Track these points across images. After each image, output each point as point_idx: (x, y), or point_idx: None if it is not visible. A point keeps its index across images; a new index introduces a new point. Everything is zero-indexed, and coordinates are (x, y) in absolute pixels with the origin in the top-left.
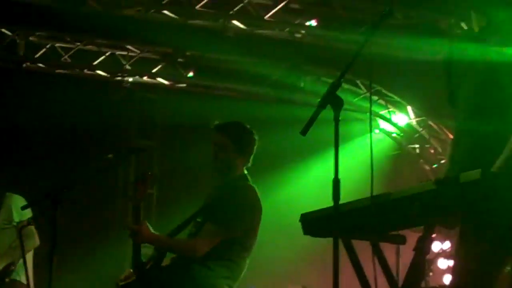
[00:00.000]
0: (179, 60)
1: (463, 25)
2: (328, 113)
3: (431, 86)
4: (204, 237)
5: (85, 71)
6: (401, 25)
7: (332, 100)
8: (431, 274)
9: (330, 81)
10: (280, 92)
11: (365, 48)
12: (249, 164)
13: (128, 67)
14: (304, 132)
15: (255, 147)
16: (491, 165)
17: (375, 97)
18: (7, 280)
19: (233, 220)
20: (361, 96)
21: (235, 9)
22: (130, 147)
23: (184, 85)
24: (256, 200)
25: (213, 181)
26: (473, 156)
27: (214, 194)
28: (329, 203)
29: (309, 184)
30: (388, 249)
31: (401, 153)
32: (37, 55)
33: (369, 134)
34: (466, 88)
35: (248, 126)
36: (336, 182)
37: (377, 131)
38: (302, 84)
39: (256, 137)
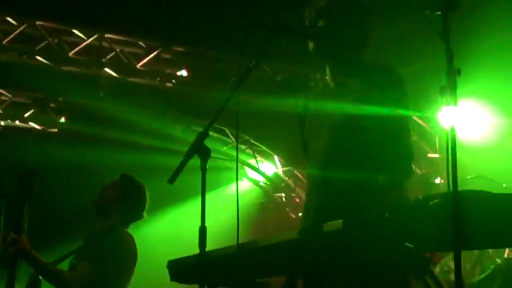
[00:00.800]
0: (52, 105)
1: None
2: (198, 160)
3: (296, 138)
4: (79, 274)
5: None
6: (268, 79)
7: (200, 150)
8: None
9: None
10: (151, 139)
11: (232, 99)
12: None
13: (0, 111)
14: (171, 180)
15: (144, 201)
16: (347, 214)
17: (243, 146)
18: None
19: (107, 261)
20: (230, 145)
21: (108, 57)
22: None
23: (56, 130)
24: (132, 245)
25: (91, 224)
26: (329, 205)
27: (91, 236)
28: (196, 250)
29: (177, 231)
30: None
31: (268, 201)
32: None
33: (236, 182)
34: (322, 138)
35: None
36: (202, 229)
37: (244, 179)
38: (172, 132)
39: (145, 191)
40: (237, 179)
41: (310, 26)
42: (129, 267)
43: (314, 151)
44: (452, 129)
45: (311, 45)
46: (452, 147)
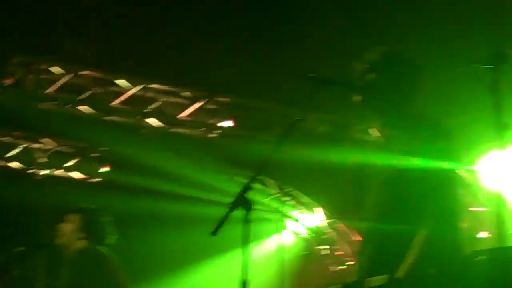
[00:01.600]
0: (95, 155)
1: (371, 131)
2: (238, 211)
3: (341, 190)
4: None
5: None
6: (313, 131)
7: (243, 202)
8: None
9: (243, 180)
10: (194, 190)
11: (276, 151)
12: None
13: (42, 160)
14: (215, 232)
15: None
16: (394, 269)
17: (285, 198)
18: None
19: None
20: (272, 197)
21: (151, 107)
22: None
23: (98, 179)
24: None
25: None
26: (380, 259)
27: None
28: None
29: (218, 285)
30: None
31: (310, 254)
32: None
33: (279, 234)
34: (374, 191)
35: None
36: (244, 283)
37: (286, 231)
38: (214, 183)
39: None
40: (280, 231)
41: (359, 79)
42: None
43: (367, 203)
44: (501, 184)
45: (359, 98)
46: (500, 202)
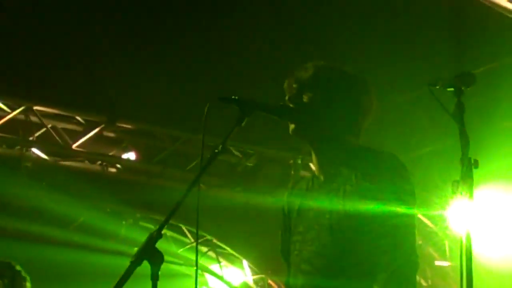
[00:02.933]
0: None
1: (312, 165)
2: (147, 266)
3: (271, 240)
4: None
5: None
6: (237, 165)
7: (150, 255)
8: None
9: (150, 226)
10: (89, 237)
11: (192, 191)
12: None
13: None
14: None
15: None
16: None
17: (204, 249)
18: None
19: None
20: (188, 247)
21: (36, 134)
22: None
23: None
24: None
25: None
26: None
27: None
28: None
29: None
30: None
31: None
32: None
33: None
34: (311, 242)
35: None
36: None
37: None
38: (116, 229)
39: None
40: None
41: (291, 101)
42: None
43: (300, 258)
44: (468, 234)
45: (292, 126)
46: (467, 255)
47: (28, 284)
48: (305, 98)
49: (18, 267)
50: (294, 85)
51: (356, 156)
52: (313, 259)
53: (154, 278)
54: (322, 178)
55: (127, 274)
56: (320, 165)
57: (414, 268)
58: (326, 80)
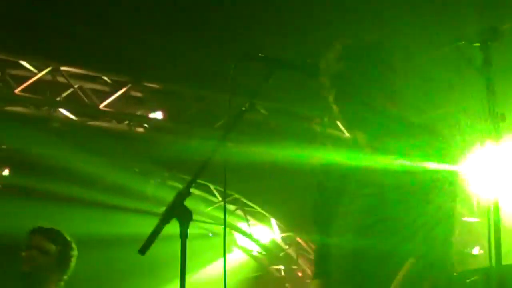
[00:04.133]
0: None
1: (340, 125)
2: (177, 225)
3: (299, 198)
4: None
5: None
6: (263, 124)
7: (179, 213)
8: None
9: (178, 185)
10: (116, 198)
11: (220, 148)
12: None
13: None
14: (143, 250)
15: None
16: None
17: (232, 207)
18: None
19: None
20: (216, 205)
21: (64, 95)
22: None
23: None
24: None
25: None
26: (355, 279)
27: None
28: None
29: None
30: None
31: (264, 275)
32: None
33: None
34: (357, 204)
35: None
36: None
37: (235, 248)
38: (144, 188)
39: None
40: (224, 248)
41: (327, 69)
42: None
43: (343, 218)
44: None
45: (332, 95)
46: (495, 212)
47: (75, 253)
48: (342, 67)
49: (68, 237)
50: (331, 56)
51: (383, 116)
52: (361, 221)
53: (184, 236)
54: (368, 149)
55: (156, 232)
56: (368, 139)
57: (450, 228)
58: (355, 60)
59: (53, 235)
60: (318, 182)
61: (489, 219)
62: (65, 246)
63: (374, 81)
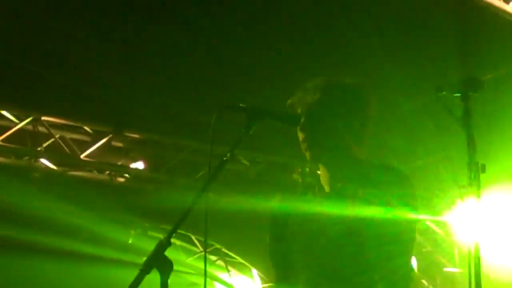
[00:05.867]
0: None
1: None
2: (157, 275)
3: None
4: None
5: None
6: (244, 174)
7: (159, 263)
8: None
9: (159, 236)
10: (96, 248)
11: (201, 199)
12: None
13: None
14: None
15: None
16: None
17: (213, 257)
18: None
19: None
20: (197, 255)
21: (45, 145)
22: None
23: None
24: None
25: None
26: None
27: None
28: None
29: None
30: None
31: None
32: None
33: None
34: (315, 254)
35: None
36: None
37: None
38: (124, 239)
39: None
40: None
41: (299, 111)
42: None
43: (304, 265)
44: (476, 240)
45: (301, 134)
46: (475, 261)
47: None
48: (314, 108)
49: None
50: (299, 110)
51: (364, 169)
52: (322, 270)
53: (164, 286)
54: (327, 188)
55: (136, 282)
56: (330, 180)
57: (409, 279)
58: (330, 100)
59: None
60: (273, 233)
61: (469, 269)
62: None
63: (344, 118)
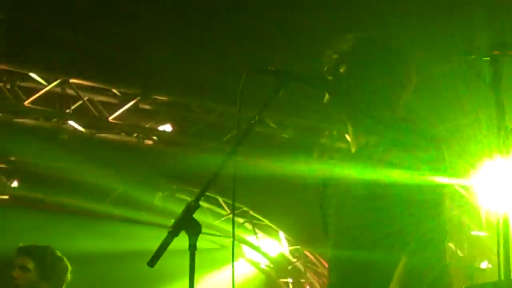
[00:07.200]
0: (1, 166)
1: (347, 136)
2: (185, 238)
3: (308, 211)
4: None
5: None
6: (272, 137)
7: (188, 225)
8: None
9: (186, 198)
10: (125, 209)
11: (229, 162)
12: None
13: None
14: (152, 262)
15: (66, 275)
16: None
17: (240, 220)
18: None
19: None
20: (224, 218)
21: (73, 107)
22: None
23: (6, 196)
24: None
25: None
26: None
27: None
28: None
29: None
30: None
31: None
32: None
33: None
34: (344, 213)
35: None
36: None
37: (242, 261)
38: (152, 201)
39: (68, 265)
40: (232, 262)
41: (328, 72)
42: None
43: (334, 227)
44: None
45: (327, 96)
46: (504, 225)
47: (63, 264)
48: (342, 69)
49: (50, 249)
50: (334, 56)
51: (391, 127)
52: (348, 232)
53: (192, 248)
54: (353, 149)
55: (165, 244)
56: (353, 137)
57: (443, 237)
58: (365, 52)
59: (31, 251)
60: (320, 195)
61: (498, 233)
62: (42, 260)
63: (377, 87)
